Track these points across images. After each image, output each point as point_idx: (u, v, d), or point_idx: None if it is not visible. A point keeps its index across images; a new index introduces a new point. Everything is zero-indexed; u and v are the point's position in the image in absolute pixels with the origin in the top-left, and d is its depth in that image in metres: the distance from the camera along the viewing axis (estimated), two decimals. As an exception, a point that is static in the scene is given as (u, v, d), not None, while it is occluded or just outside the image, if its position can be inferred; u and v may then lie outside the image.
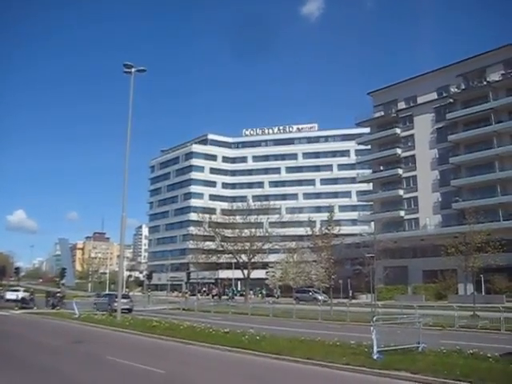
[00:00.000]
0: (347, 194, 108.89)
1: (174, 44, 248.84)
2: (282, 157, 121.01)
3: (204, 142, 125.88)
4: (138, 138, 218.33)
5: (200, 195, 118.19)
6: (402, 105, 76.22)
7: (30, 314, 39.70)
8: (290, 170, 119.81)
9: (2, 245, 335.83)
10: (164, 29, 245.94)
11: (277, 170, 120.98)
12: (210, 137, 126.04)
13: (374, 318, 16.14)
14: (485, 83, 65.22)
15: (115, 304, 37.29)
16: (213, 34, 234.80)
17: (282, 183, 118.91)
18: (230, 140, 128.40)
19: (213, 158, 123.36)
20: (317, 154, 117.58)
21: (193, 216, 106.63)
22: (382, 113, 78.34)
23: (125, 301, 40.01)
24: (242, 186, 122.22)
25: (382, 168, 78.40)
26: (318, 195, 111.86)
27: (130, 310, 38.77)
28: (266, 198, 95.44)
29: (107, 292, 54.15)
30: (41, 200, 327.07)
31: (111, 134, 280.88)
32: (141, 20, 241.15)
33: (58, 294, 48.07)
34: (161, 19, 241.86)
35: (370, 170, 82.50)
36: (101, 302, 42.50)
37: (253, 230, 72.06)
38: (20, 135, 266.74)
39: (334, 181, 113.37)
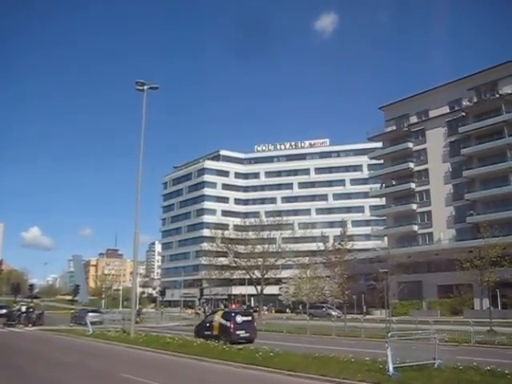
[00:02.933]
0: (360, 209, 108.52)
1: (185, 57, 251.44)
2: (295, 172, 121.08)
3: (216, 158, 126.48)
4: (151, 153, 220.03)
5: (213, 211, 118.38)
6: (413, 119, 76.16)
7: (44, 330, 39.73)
8: (302, 185, 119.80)
9: (16, 262, 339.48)
10: (176, 42, 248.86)
11: (289, 186, 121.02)
12: (223, 153, 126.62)
13: (389, 334, 15.97)
14: (497, 96, 65.04)
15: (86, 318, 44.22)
16: (225, 48, 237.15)
17: (295, 198, 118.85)
18: (242, 156, 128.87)
19: (225, 174, 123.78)
20: (329, 169, 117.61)
21: (206, 232, 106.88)
22: (394, 127, 78.30)
23: (96, 314, 49.15)
24: (254, 201, 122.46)
25: (394, 182, 78.14)
26: (330, 210, 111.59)
27: (101, 323, 44.97)
28: (279, 213, 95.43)
29: (81, 307, 58.93)
30: (55, 217, 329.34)
31: (125, 149, 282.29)
32: (151, 33, 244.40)
33: (37, 311, 48.03)
34: (171, 33, 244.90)
35: (383, 185, 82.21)
36: (77, 316, 47.78)
37: (266, 246, 72.00)
38: (33, 151, 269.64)
39: (347, 196, 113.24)
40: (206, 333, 28.56)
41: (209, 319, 30.81)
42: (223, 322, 28.46)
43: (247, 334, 28.03)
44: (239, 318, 28.51)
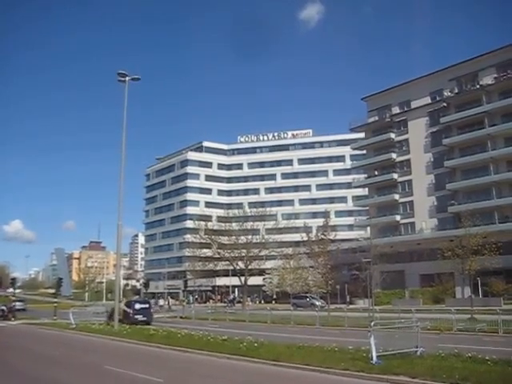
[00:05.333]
0: (343, 200, 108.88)
1: (169, 50, 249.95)
2: (278, 163, 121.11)
3: (199, 149, 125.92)
4: (134, 146, 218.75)
5: (196, 203, 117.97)
6: (396, 109, 76.45)
7: (28, 324, 39.54)
8: (285, 176, 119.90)
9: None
10: (159, 34, 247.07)
11: (272, 177, 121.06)
12: (205, 144, 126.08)
13: (372, 323, 16.11)
14: (478, 87, 65.51)
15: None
16: (208, 40, 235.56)
17: (278, 189, 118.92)
18: (225, 147, 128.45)
19: (208, 165, 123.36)
20: (312, 160, 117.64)
21: (189, 224, 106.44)
22: (377, 118, 78.55)
23: (21, 303, 54.71)
24: (237, 192, 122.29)
25: (377, 173, 78.50)
26: (313, 201, 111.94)
27: (24, 310, 52.30)
28: (262, 204, 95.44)
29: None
30: (38, 210, 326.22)
31: (107, 142, 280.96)
32: (135, 26, 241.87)
33: (15, 304, 48.16)
34: (155, 25, 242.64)
35: (366, 175, 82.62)
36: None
37: (249, 237, 71.88)
38: (16, 145, 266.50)
39: (330, 186, 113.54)
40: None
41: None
42: (126, 308, 36.45)
43: (144, 318, 36.03)
44: (137, 306, 37.32)
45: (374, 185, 78.72)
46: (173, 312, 59.48)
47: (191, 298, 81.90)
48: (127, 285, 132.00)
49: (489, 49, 64.81)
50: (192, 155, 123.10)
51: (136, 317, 35.43)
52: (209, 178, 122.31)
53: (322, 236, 47.95)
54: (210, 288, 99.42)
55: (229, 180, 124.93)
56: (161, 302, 71.28)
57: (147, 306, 39.22)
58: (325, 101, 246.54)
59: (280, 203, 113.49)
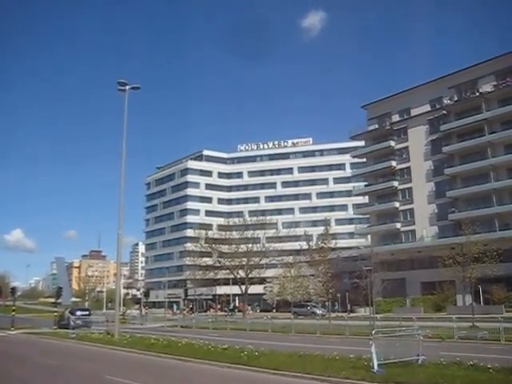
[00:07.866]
0: (343, 208, 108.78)
1: (169, 59, 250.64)
2: (278, 171, 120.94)
3: (199, 158, 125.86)
4: (134, 156, 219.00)
5: (196, 211, 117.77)
6: (395, 117, 76.51)
7: (28, 334, 39.42)
8: (285, 184, 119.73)
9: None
10: (158, 42, 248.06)
11: (272, 185, 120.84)
12: (206, 153, 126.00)
13: (373, 331, 16.06)
14: (477, 94, 65.61)
15: None
16: (208, 48, 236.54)
17: (278, 198, 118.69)
18: (225, 156, 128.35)
19: (208, 173, 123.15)
20: (312, 168, 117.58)
21: (189, 232, 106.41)
22: (377, 126, 78.58)
23: None
24: (238, 201, 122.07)
25: (377, 181, 78.45)
26: (314, 209, 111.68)
27: None
28: (263, 212, 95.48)
29: None
30: (38, 219, 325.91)
31: (108, 151, 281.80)
32: (136, 35, 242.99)
33: None
34: (156, 35, 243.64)
35: (366, 183, 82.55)
36: None
37: (250, 246, 71.94)
38: (17, 154, 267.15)
39: (330, 194, 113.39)
40: (62, 323, 43.32)
41: (64, 314, 46.44)
42: (69, 315, 43.49)
43: (84, 323, 42.90)
44: (78, 313, 46.11)
45: (375, 193, 78.66)
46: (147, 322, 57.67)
47: (175, 307, 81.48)
48: (127, 294, 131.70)
49: (488, 56, 65.07)
50: (192, 164, 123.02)
51: (77, 322, 41.86)
52: (209, 186, 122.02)
53: (323, 244, 47.91)
54: (210, 297, 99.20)
55: (229, 188, 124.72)
56: (133, 311, 68.96)
57: (87, 312, 48.24)
58: (325, 109, 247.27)
59: (280, 211, 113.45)
